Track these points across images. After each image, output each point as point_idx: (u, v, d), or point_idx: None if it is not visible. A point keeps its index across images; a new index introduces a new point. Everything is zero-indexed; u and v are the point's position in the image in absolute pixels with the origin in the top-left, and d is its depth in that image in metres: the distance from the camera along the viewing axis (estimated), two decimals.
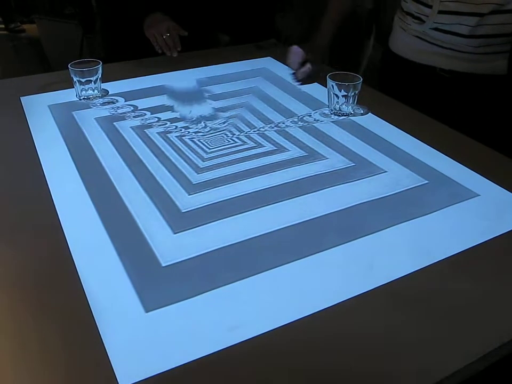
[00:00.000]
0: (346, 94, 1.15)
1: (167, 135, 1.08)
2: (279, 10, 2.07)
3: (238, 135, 1.09)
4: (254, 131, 1.10)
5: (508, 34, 1.18)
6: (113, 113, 1.18)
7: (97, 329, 0.62)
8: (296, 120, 1.15)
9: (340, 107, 1.17)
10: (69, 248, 0.75)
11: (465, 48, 1.22)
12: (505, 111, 1.25)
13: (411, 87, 1.34)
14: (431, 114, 1.16)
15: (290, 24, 2.15)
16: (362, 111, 1.19)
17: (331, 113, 1.18)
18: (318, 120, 1.15)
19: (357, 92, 1.15)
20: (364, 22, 2.19)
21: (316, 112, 1.19)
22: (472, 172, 0.96)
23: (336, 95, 1.16)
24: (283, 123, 1.13)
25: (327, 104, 1.20)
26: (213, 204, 0.86)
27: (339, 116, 1.17)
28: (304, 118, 1.16)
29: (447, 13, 1.20)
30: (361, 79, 1.15)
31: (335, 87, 1.15)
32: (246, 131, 1.10)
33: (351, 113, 1.17)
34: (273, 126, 1.12)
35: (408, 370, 0.59)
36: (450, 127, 1.11)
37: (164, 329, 0.63)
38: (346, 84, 1.14)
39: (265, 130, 1.10)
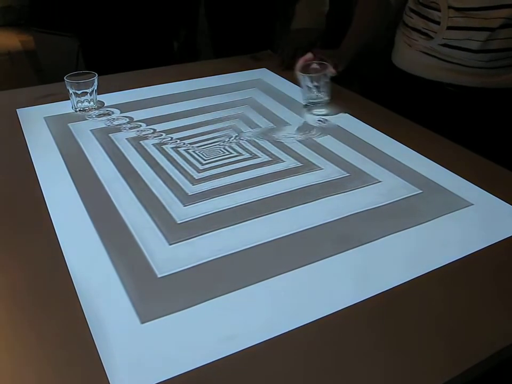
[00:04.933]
0: (317, 84, 1.22)
1: (162, 146, 1.09)
2: (275, 22, 2.08)
3: (232, 146, 1.09)
4: (248, 142, 1.10)
5: None
6: (108, 125, 1.19)
7: (93, 340, 0.62)
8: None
9: (314, 95, 1.24)
10: (64, 259, 0.76)
11: (475, 63, 1.20)
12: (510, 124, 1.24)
13: (416, 102, 1.33)
14: (435, 128, 1.16)
15: (286, 35, 2.16)
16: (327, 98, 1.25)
17: (306, 104, 1.26)
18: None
19: (326, 80, 1.22)
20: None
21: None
22: (466, 181, 0.96)
23: (308, 86, 1.23)
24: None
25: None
26: (209, 214, 0.86)
27: (317, 104, 1.25)
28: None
29: (456, 29, 1.18)
30: (328, 68, 1.21)
31: (306, 77, 1.22)
32: (240, 141, 1.11)
33: (325, 100, 1.25)
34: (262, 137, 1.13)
35: (403, 378, 0.59)
36: (453, 141, 1.11)
37: (160, 340, 0.63)
38: (313, 74, 1.22)
39: (260, 141, 1.11)
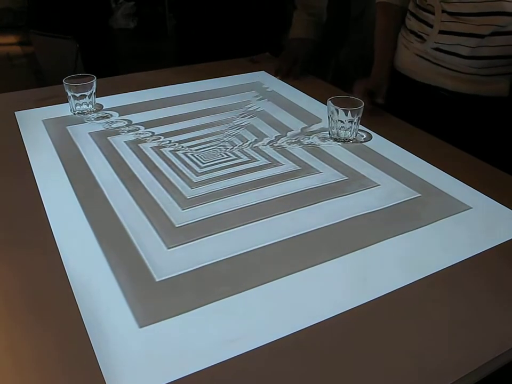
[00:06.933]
0: (351, 119, 1.10)
1: (161, 149, 1.08)
2: (284, 27, 2.07)
3: (231, 149, 1.09)
4: (248, 147, 1.10)
5: (510, 56, 1.16)
6: (107, 128, 1.18)
7: (91, 344, 0.62)
8: (293, 141, 1.14)
9: (344, 132, 1.12)
10: (62, 263, 0.75)
11: (467, 69, 1.20)
12: (506, 133, 1.23)
13: (412, 105, 1.32)
14: (432, 131, 1.16)
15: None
16: (364, 136, 1.15)
17: (331, 138, 1.14)
18: (318, 144, 1.12)
19: (360, 116, 1.11)
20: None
21: (315, 136, 1.16)
22: (465, 184, 0.96)
23: (341, 121, 1.11)
24: (276, 142, 1.13)
25: (327, 127, 1.15)
26: (207, 218, 0.86)
27: (342, 141, 1.12)
28: (303, 141, 1.14)
29: (448, 33, 1.19)
30: (363, 104, 1.10)
31: (340, 112, 1.10)
32: (239, 145, 1.11)
33: (354, 139, 1.13)
34: (267, 144, 1.12)
35: (402, 382, 0.59)
36: (450, 144, 1.11)
37: (158, 345, 0.63)
38: (351, 109, 1.09)
39: (261, 147, 1.11)
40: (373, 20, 1.51)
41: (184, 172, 1.00)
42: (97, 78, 1.24)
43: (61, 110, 1.26)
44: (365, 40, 1.90)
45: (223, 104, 1.32)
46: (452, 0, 1.16)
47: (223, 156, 1.07)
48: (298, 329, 0.65)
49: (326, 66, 2.10)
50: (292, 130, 1.18)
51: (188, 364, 0.60)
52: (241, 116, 1.25)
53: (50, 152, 1.07)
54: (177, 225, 0.84)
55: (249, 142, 1.12)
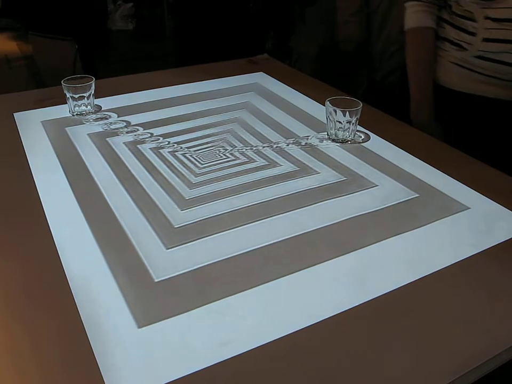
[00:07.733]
0: (349, 120, 1.09)
1: (160, 150, 1.09)
2: (292, 28, 2.07)
3: (230, 150, 1.09)
4: (247, 149, 1.11)
5: None
6: (106, 129, 1.19)
7: (90, 345, 0.62)
8: (292, 142, 1.13)
9: (342, 133, 1.11)
10: (61, 264, 0.75)
11: (510, 76, 1.16)
12: None
13: (445, 112, 1.30)
14: (462, 137, 1.13)
15: (303, 41, 2.13)
16: (362, 137, 1.15)
17: (329, 139, 1.13)
18: (316, 145, 1.12)
19: (358, 117, 1.10)
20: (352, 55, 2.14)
21: (313, 137, 1.16)
22: (463, 185, 0.96)
23: (339, 122, 1.10)
24: (277, 145, 1.13)
25: (326, 128, 1.15)
26: (206, 219, 0.86)
27: (340, 142, 1.12)
28: (301, 141, 1.14)
29: (493, 41, 1.14)
30: (361, 104, 1.10)
31: (338, 112, 1.09)
32: (239, 147, 1.11)
33: (352, 140, 1.13)
34: (265, 145, 1.12)
35: (401, 382, 0.59)
36: (453, 145, 1.11)
37: (157, 345, 0.63)
38: (349, 109, 1.08)
39: (260, 148, 1.11)
40: (382, 20, 1.51)
41: (183, 172, 1.00)
42: (95, 79, 1.24)
43: (60, 111, 1.26)
44: (370, 40, 1.90)
45: (222, 105, 1.32)
46: (496, 5, 1.11)
47: (221, 156, 1.07)
48: (298, 329, 0.65)
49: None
50: (290, 131, 1.18)
51: (186, 364, 0.60)
52: (240, 117, 1.25)
53: (49, 153, 1.07)
54: (176, 226, 0.85)
55: (247, 143, 1.12)
